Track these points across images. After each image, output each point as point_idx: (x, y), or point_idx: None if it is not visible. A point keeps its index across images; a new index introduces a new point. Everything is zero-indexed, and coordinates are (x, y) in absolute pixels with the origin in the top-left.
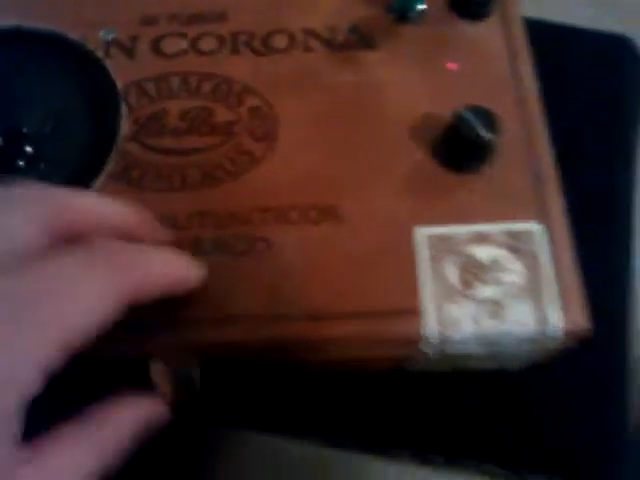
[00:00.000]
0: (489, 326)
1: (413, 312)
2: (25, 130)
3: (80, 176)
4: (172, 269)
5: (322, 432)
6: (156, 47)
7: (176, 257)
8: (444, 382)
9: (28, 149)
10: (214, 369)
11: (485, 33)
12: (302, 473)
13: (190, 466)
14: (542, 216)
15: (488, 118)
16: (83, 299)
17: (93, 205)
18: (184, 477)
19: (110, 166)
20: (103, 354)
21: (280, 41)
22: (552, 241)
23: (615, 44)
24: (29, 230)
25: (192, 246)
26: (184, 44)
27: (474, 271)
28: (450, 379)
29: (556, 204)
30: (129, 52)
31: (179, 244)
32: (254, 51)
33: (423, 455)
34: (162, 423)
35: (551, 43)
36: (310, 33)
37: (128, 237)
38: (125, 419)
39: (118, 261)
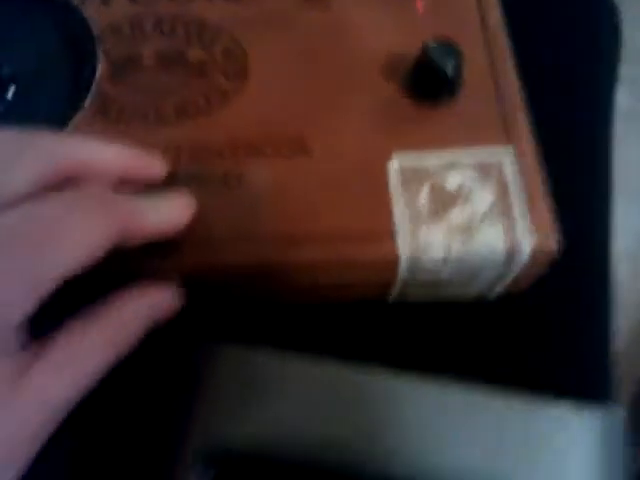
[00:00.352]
0: (460, 249)
1: (387, 236)
2: (6, 71)
3: (60, 115)
4: (163, 220)
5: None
6: None
7: (168, 208)
8: (426, 312)
9: (10, 88)
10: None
11: None
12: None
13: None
14: (510, 142)
15: (453, 51)
16: (69, 238)
17: (88, 153)
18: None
19: (88, 104)
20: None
21: None
22: (521, 165)
23: None
24: (20, 175)
25: (168, 178)
26: None
27: (446, 196)
28: (431, 309)
29: (523, 129)
30: None
31: None
32: None
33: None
34: (170, 312)
35: None
36: None
37: (125, 180)
38: (133, 308)
39: (108, 205)
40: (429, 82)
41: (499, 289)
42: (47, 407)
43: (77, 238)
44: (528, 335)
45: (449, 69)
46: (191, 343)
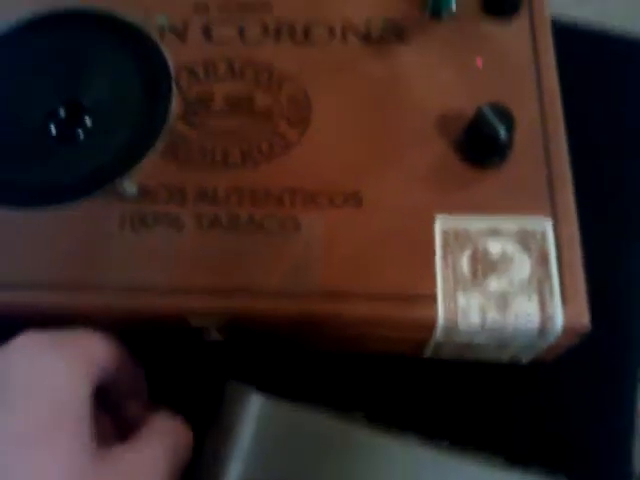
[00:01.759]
0: (495, 317)
1: (426, 298)
2: (85, 103)
3: (132, 149)
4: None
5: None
6: (206, 33)
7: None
8: (457, 371)
9: (87, 121)
10: (239, 337)
11: (512, 32)
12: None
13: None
14: (554, 214)
15: (507, 116)
16: None
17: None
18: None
19: (160, 142)
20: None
21: (319, 32)
22: (561, 239)
23: None
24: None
25: (229, 220)
26: (231, 31)
27: (485, 263)
28: (463, 368)
29: (568, 203)
30: (181, 36)
31: (217, 219)
32: (295, 41)
33: (429, 438)
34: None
35: (580, 44)
36: (348, 26)
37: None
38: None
39: None
40: (480, 146)
41: (532, 355)
42: None
43: None
44: (550, 403)
45: (501, 136)
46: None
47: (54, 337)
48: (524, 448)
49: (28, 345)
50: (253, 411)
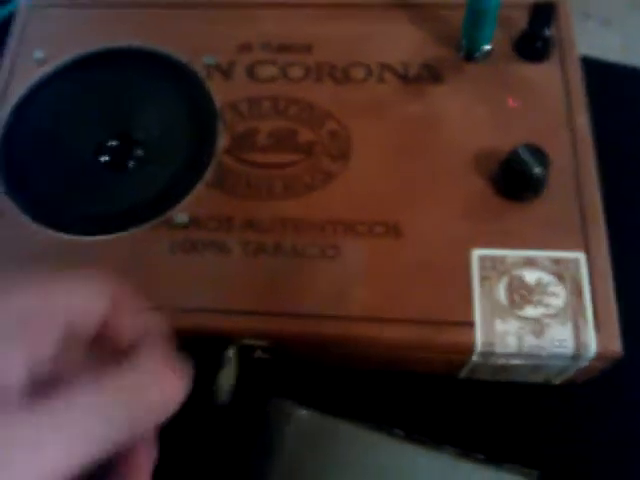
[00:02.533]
0: (531, 343)
1: (465, 324)
2: (136, 136)
3: (182, 181)
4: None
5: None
6: (250, 72)
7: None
8: (491, 390)
9: (138, 152)
10: (283, 355)
11: (544, 74)
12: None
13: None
14: (586, 246)
15: (541, 156)
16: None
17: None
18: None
19: (208, 174)
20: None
21: (358, 72)
22: (593, 270)
23: None
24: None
25: (273, 248)
26: (275, 71)
27: (521, 292)
28: (497, 388)
29: (600, 236)
30: (227, 75)
31: (262, 246)
32: (335, 80)
33: (465, 452)
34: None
35: (613, 83)
36: (385, 67)
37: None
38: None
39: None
40: (515, 183)
41: (565, 378)
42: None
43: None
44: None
45: (535, 175)
46: (264, 397)
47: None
48: (553, 464)
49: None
50: (296, 425)
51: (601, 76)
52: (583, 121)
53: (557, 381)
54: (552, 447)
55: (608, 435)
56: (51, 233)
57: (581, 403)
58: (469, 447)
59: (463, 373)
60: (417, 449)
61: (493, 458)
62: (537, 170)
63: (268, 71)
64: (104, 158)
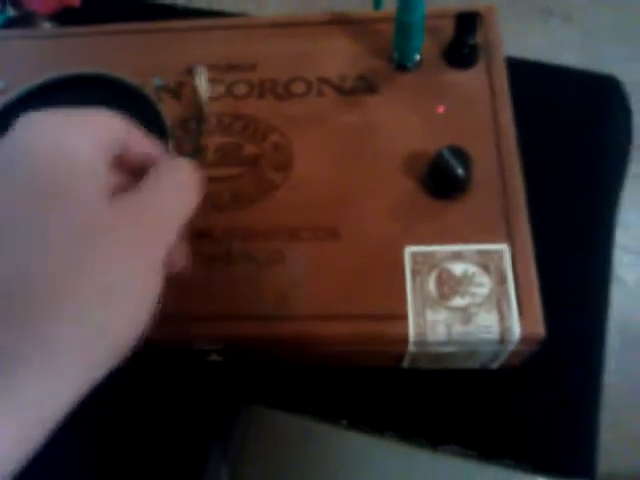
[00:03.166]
0: (459, 330)
1: (399, 317)
2: None
3: None
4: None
5: (323, 414)
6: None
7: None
8: (434, 378)
9: None
10: (236, 357)
11: (471, 80)
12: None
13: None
14: (510, 238)
15: (463, 157)
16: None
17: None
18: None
19: None
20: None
21: (299, 87)
22: (516, 259)
23: (602, 85)
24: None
25: (224, 255)
26: (221, 89)
27: (450, 283)
28: (439, 375)
29: (522, 229)
30: (176, 95)
31: (214, 255)
32: (277, 95)
33: (406, 436)
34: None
35: (539, 82)
36: (324, 81)
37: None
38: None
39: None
40: (441, 183)
41: (499, 362)
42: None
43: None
44: (517, 405)
45: (459, 173)
46: (225, 403)
47: (68, 113)
48: (498, 444)
49: (43, 120)
50: (257, 423)
51: (525, 76)
52: (506, 121)
53: (494, 366)
54: (490, 427)
55: (543, 412)
56: None
57: (516, 385)
58: (413, 431)
59: (406, 363)
60: (358, 436)
61: (432, 441)
62: (459, 171)
63: (215, 90)
64: None
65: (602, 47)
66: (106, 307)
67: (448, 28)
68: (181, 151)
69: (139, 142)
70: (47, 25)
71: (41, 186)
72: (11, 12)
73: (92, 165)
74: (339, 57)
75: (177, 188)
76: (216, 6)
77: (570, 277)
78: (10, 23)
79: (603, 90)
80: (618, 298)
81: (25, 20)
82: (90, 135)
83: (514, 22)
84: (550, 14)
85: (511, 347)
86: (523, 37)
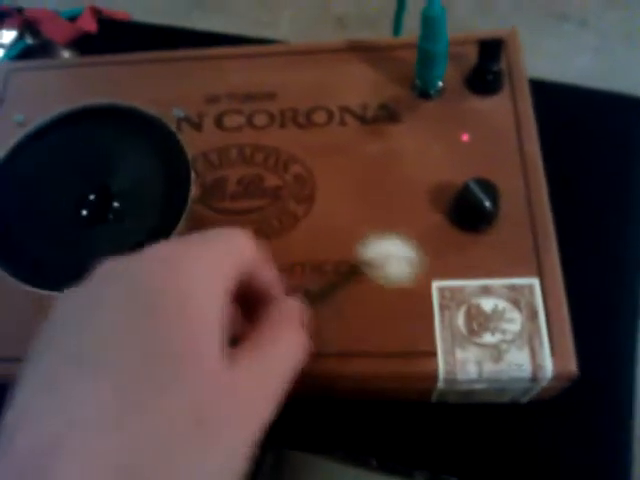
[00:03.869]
0: (490, 368)
1: (428, 354)
2: (113, 189)
3: (157, 231)
4: None
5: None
6: (219, 122)
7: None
8: (462, 412)
9: (115, 205)
10: None
11: (495, 107)
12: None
13: None
14: (540, 272)
15: (491, 189)
16: None
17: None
18: None
19: (181, 224)
20: None
21: (320, 117)
22: (547, 294)
23: (629, 106)
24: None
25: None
26: (241, 120)
27: (479, 319)
28: (467, 410)
29: (553, 262)
30: (197, 126)
31: None
32: (298, 125)
33: (436, 476)
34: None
35: (566, 104)
36: (345, 110)
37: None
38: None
39: None
40: (468, 216)
41: (529, 397)
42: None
43: None
44: (549, 439)
45: (487, 206)
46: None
47: (190, 239)
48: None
49: (167, 252)
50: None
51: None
52: (533, 150)
53: (524, 401)
54: (522, 464)
55: (575, 448)
56: (29, 289)
57: (547, 420)
58: (443, 469)
59: (434, 398)
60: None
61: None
62: (487, 204)
63: (235, 121)
64: (84, 212)
65: (617, 52)
66: None
67: (471, 55)
68: (203, 183)
69: (266, 273)
70: (65, 53)
71: (155, 346)
72: (29, 40)
73: (215, 311)
74: (360, 85)
75: (295, 350)
76: (229, 14)
77: (599, 307)
78: (28, 51)
79: (630, 112)
80: None
81: (43, 48)
82: (215, 267)
83: (529, 27)
84: (565, 19)
85: (543, 384)
86: (539, 42)
